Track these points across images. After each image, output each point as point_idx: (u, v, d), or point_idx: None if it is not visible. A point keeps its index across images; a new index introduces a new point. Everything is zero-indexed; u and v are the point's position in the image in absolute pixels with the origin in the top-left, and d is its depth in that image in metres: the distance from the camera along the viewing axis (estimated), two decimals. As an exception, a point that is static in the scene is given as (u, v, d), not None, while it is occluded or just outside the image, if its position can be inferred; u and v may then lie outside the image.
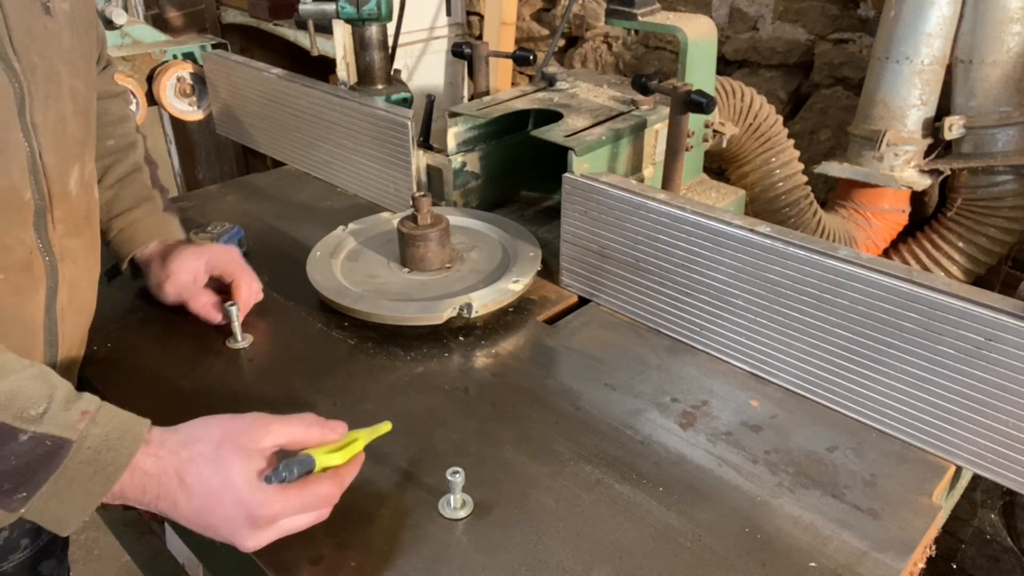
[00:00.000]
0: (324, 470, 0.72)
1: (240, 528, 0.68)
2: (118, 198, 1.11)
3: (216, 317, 1.08)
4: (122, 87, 1.18)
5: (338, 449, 0.74)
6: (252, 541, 0.70)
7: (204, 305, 1.09)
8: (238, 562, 0.79)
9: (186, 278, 1.08)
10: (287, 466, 0.68)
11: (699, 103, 1.19)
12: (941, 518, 0.84)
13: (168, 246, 1.11)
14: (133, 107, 1.81)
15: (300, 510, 0.71)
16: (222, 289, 1.12)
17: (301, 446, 0.73)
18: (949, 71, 1.60)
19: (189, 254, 1.09)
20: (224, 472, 0.67)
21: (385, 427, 0.80)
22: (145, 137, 1.18)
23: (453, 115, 1.38)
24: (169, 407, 0.96)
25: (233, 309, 1.05)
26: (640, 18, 1.39)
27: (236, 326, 1.07)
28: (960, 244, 1.67)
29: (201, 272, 1.09)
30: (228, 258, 1.11)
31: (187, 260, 1.09)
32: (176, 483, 0.68)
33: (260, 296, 1.14)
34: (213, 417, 0.72)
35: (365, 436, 0.78)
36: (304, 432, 0.73)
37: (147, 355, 1.06)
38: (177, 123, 2.76)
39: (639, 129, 1.32)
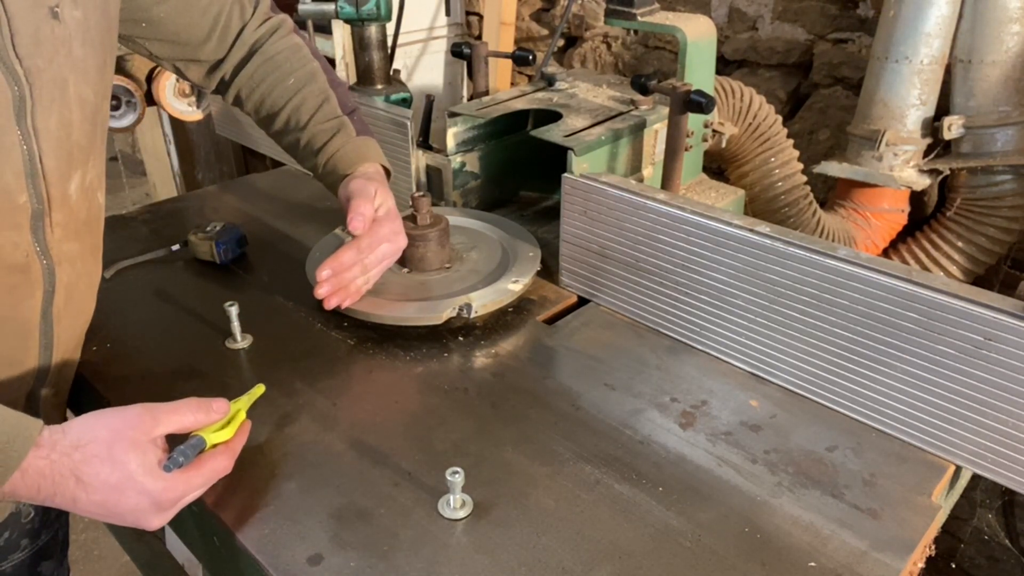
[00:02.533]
0: (215, 446, 0.77)
1: (146, 514, 0.72)
2: (315, 135, 1.11)
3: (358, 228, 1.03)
4: (278, 21, 1.15)
5: (224, 425, 0.79)
6: (157, 521, 0.74)
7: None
8: (238, 563, 0.79)
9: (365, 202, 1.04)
10: (182, 451, 0.72)
11: (698, 103, 1.19)
12: (941, 518, 0.84)
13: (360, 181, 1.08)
14: (132, 111, 1.81)
15: (201, 487, 0.76)
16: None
17: (190, 429, 0.76)
18: (948, 71, 1.60)
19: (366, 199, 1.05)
20: (122, 468, 0.70)
21: (259, 390, 0.86)
22: (322, 58, 1.17)
23: (452, 115, 1.38)
24: (169, 407, 0.96)
25: (232, 310, 1.05)
26: (639, 18, 1.39)
27: (235, 327, 1.06)
28: (959, 244, 1.67)
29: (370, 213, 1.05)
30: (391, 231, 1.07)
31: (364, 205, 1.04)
32: (73, 482, 0.69)
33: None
34: (97, 415, 0.73)
35: (244, 404, 0.83)
36: (191, 417, 0.76)
37: (146, 355, 1.06)
38: (176, 123, 2.76)
39: (638, 129, 1.32)
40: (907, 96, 1.60)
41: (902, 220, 1.74)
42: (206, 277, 1.26)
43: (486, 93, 1.54)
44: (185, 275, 1.24)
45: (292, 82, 1.12)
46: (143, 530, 0.74)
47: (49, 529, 1.03)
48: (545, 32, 2.61)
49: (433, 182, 1.44)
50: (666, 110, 1.29)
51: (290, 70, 1.12)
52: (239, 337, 1.07)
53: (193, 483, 0.74)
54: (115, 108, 1.79)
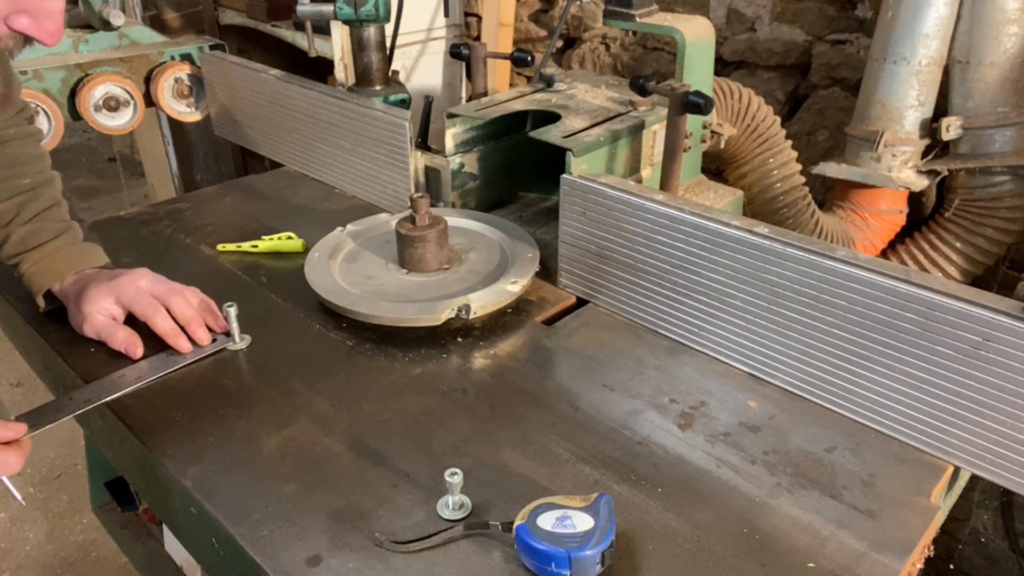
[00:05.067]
0: None
1: None
2: (35, 232, 1.09)
3: (137, 352, 1.03)
4: (36, 128, 1.18)
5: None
6: None
7: (123, 342, 1.04)
8: (236, 564, 0.79)
9: (102, 318, 1.05)
10: None
11: (697, 104, 1.20)
12: (939, 518, 0.84)
13: (82, 282, 1.07)
14: (130, 111, 1.81)
15: None
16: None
17: None
18: (946, 72, 1.60)
19: (100, 293, 1.05)
20: None
21: None
22: (59, 175, 1.18)
23: (451, 116, 1.38)
24: (167, 409, 0.96)
25: (231, 311, 1.05)
26: (638, 19, 1.39)
27: (234, 327, 1.06)
28: (958, 245, 1.67)
29: (117, 311, 1.06)
30: (135, 292, 1.05)
31: (98, 300, 1.05)
32: None
33: (197, 303, 1.09)
34: None
35: None
36: None
37: (144, 357, 1.06)
38: (175, 124, 2.76)
39: (637, 130, 1.32)
40: (905, 97, 1.60)
41: (900, 221, 1.74)
42: (205, 278, 1.26)
43: (485, 94, 1.54)
44: (184, 276, 1.24)
45: (27, 181, 1.11)
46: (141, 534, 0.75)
47: None
48: (544, 33, 2.61)
49: (432, 183, 1.44)
50: (665, 111, 1.29)
51: (27, 171, 1.11)
52: (238, 338, 1.07)
53: None
54: (113, 109, 1.79)
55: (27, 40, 0.80)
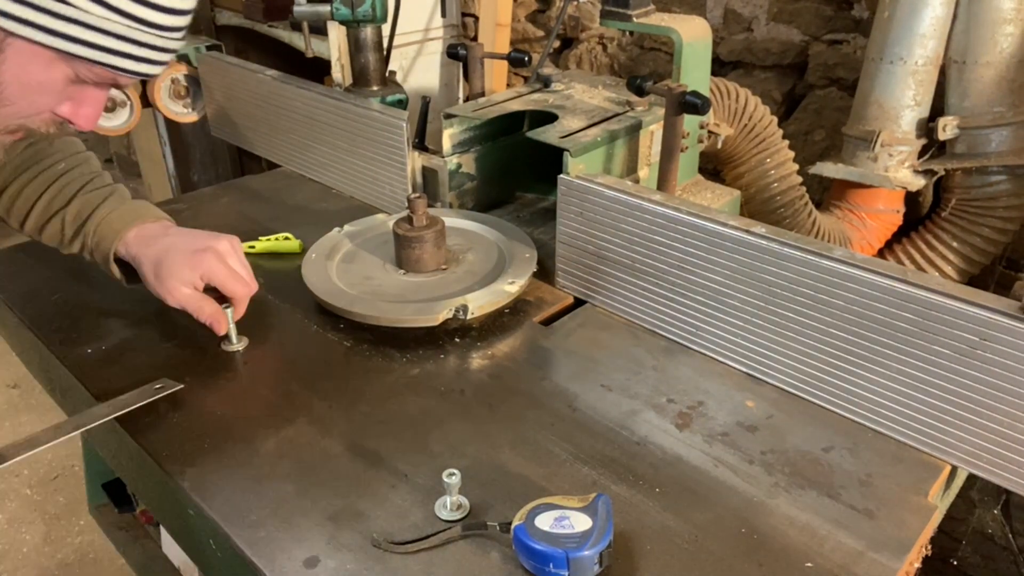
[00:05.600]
0: None
1: None
2: (83, 207, 1.07)
3: (221, 329, 1.04)
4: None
5: None
6: None
7: (209, 317, 1.04)
8: (234, 566, 0.79)
9: (185, 291, 1.03)
10: None
11: (694, 104, 1.20)
12: (937, 518, 0.85)
13: (156, 248, 1.04)
14: (126, 112, 1.81)
15: None
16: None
17: None
18: (943, 72, 1.60)
19: (181, 265, 1.02)
20: None
21: None
22: (94, 154, 1.16)
23: (448, 116, 1.38)
24: (164, 411, 0.96)
25: (229, 312, 1.05)
26: (635, 19, 1.39)
27: (231, 329, 1.06)
28: (955, 244, 1.67)
29: (198, 283, 1.04)
30: (221, 271, 1.04)
31: (180, 272, 1.02)
32: None
33: (251, 292, 1.08)
34: None
35: None
36: None
37: (142, 358, 1.06)
38: (172, 125, 2.75)
39: (634, 130, 1.32)
40: (902, 97, 1.61)
41: (897, 221, 1.74)
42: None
43: (482, 94, 1.54)
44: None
45: (62, 166, 1.08)
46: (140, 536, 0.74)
47: None
48: (541, 33, 2.61)
49: (429, 183, 1.44)
50: (662, 111, 1.29)
51: (59, 158, 1.09)
52: (235, 339, 1.07)
53: None
54: (110, 110, 1.78)
55: (62, 124, 0.82)
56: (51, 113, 0.80)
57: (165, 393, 0.97)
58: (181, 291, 1.03)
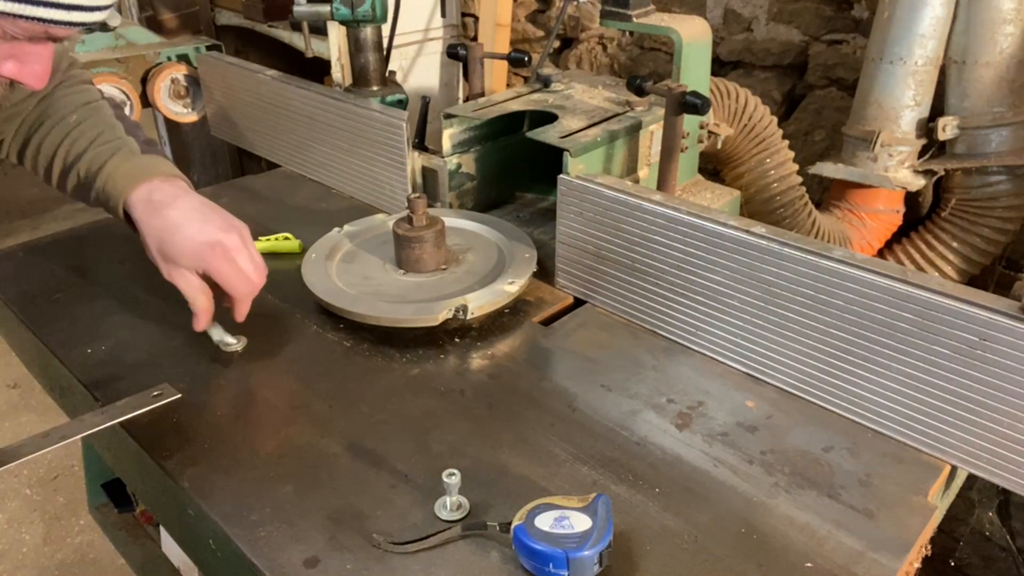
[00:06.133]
0: None
1: None
2: (94, 161, 1.04)
3: (200, 325, 1.01)
4: (78, 71, 1.13)
5: None
6: None
7: (200, 309, 1.01)
8: (234, 565, 0.79)
9: (189, 278, 1.00)
10: None
11: (694, 104, 1.20)
12: (936, 518, 0.85)
13: (161, 223, 1.00)
14: (126, 112, 1.81)
15: None
16: None
17: None
18: (943, 72, 1.60)
19: (188, 255, 0.99)
20: None
21: None
22: (107, 104, 1.13)
23: (448, 116, 1.38)
24: (164, 410, 0.95)
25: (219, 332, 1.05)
26: (635, 19, 1.39)
27: (215, 329, 1.05)
28: (954, 244, 1.67)
29: (201, 269, 1.00)
30: (226, 270, 1.00)
31: (184, 260, 0.99)
32: None
33: (257, 289, 1.05)
34: None
35: None
36: None
37: (142, 358, 1.06)
38: (171, 125, 2.76)
39: (634, 130, 1.32)
40: (901, 97, 1.61)
41: (897, 221, 1.74)
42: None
43: (482, 94, 1.54)
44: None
45: (74, 119, 1.06)
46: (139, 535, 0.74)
47: None
48: (541, 33, 2.61)
49: (429, 184, 1.44)
50: (662, 111, 1.29)
51: (72, 111, 1.06)
52: (231, 339, 1.07)
53: None
54: (110, 110, 1.78)
55: (12, 84, 0.79)
56: None
57: (164, 402, 0.94)
58: (184, 276, 1.00)
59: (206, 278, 1.02)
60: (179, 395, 0.95)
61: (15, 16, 0.71)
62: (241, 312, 1.05)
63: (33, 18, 0.72)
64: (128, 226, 1.05)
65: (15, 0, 0.70)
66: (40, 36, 0.76)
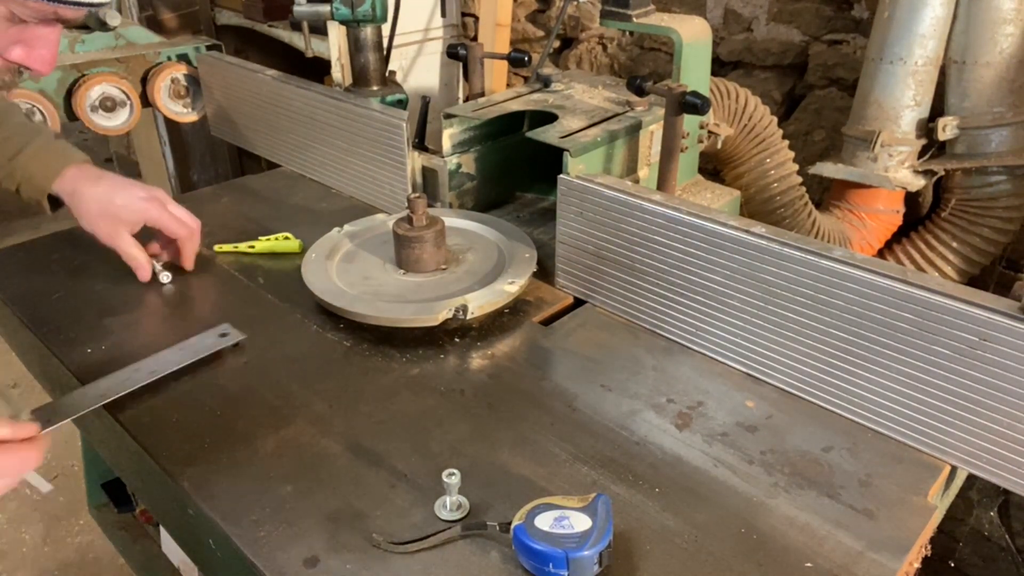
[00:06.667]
0: None
1: None
2: (8, 142, 1.15)
3: (145, 274, 1.18)
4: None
5: None
6: None
7: (136, 261, 1.18)
8: (234, 565, 0.79)
9: (126, 237, 1.16)
10: None
11: (694, 104, 1.20)
12: (936, 518, 0.85)
13: (102, 188, 1.16)
14: (126, 112, 1.81)
15: (13, 469, 0.75)
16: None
17: None
18: (943, 72, 1.60)
19: (130, 210, 1.15)
20: None
21: None
22: (17, 105, 1.25)
23: (448, 116, 1.38)
24: (164, 410, 0.96)
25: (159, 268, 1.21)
26: (635, 19, 1.39)
27: (157, 268, 1.20)
28: (954, 244, 1.67)
29: (136, 227, 1.17)
30: (165, 217, 1.17)
31: (128, 216, 1.15)
32: None
33: (196, 231, 1.21)
34: None
35: None
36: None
37: (141, 358, 1.06)
38: (171, 125, 2.76)
39: (634, 130, 1.32)
40: (901, 97, 1.61)
41: (897, 221, 1.74)
42: (202, 279, 1.26)
43: (482, 94, 1.54)
44: (181, 277, 1.24)
45: None
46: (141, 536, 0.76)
47: None
48: (541, 33, 2.61)
49: (429, 183, 1.44)
50: (662, 111, 1.29)
51: None
52: (163, 277, 1.19)
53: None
54: (110, 109, 1.78)
55: (20, 70, 0.81)
56: (3, 60, 0.78)
57: (231, 343, 1.05)
58: (123, 236, 1.16)
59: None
60: (244, 336, 1.07)
61: None
62: (188, 257, 1.22)
63: None
64: (44, 206, 1.19)
65: None
66: (50, 17, 0.76)
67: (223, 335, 1.06)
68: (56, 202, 1.19)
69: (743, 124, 1.64)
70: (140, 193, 1.17)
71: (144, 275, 1.19)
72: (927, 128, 1.63)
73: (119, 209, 1.15)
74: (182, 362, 1.01)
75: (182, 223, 1.19)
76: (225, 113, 1.77)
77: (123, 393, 0.95)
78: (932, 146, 1.65)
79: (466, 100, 1.55)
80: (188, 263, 1.23)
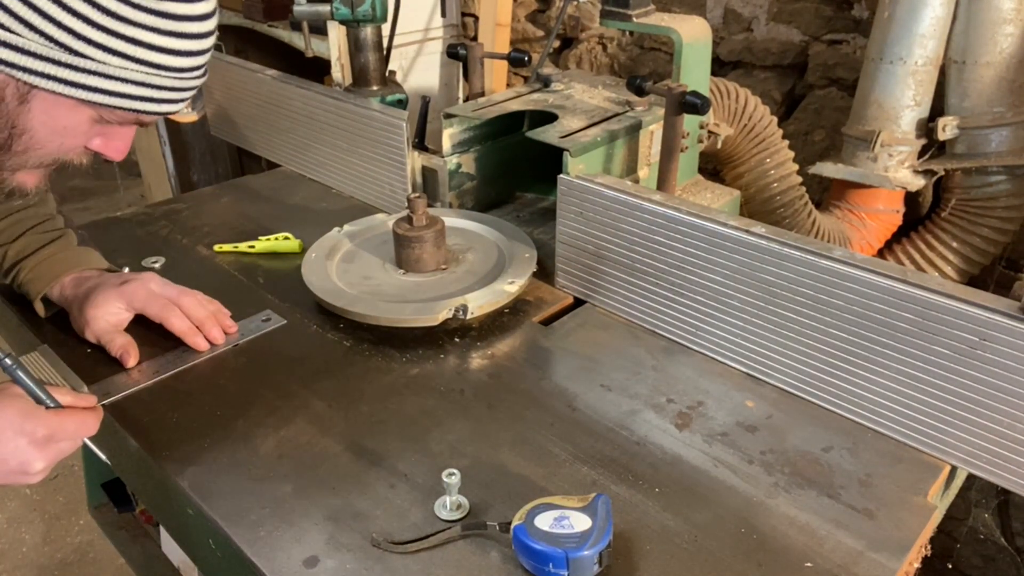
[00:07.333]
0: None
1: (25, 452, 0.80)
2: (28, 244, 1.12)
3: (129, 361, 1.03)
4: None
5: None
6: (38, 462, 0.82)
7: (120, 348, 1.04)
8: (234, 565, 0.79)
9: (104, 324, 1.05)
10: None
11: (694, 104, 1.20)
12: (936, 518, 0.85)
13: (86, 285, 1.08)
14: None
15: (73, 433, 0.85)
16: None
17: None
18: (943, 72, 1.60)
19: (108, 297, 1.05)
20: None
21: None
22: (52, 196, 1.19)
23: (448, 116, 1.38)
24: (164, 410, 0.96)
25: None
26: (635, 19, 1.39)
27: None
28: (954, 244, 1.67)
29: (125, 315, 1.07)
30: (147, 294, 1.06)
31: (105, 304, 1.05)
32: None
33: (208, 304, 1.10)
34: None
35: None
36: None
37: (141, 358, 1.06)
38: (171, 125, 2.75)
39: (634, 130, 1.32)
40: (901, 97, 1.61)
41: (897, 221, 1.74)
42: (202, 279, 1.26)
43: (482, 94, 1.54)
44: (181, 277, 1.24)
45: (19, 202, 1.12)
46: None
47: None
48: (541, 33, 2.61)
49: (429, 183, 1.44)
50: (662, 111, 1.29)
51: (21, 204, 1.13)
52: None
53: (65, 426, 0.83)
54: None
55: (95, 154, 0.86)
56: (83, 148, 0.84)
57: (272, 327, 1.10)
58: (99, 323, 1.05)
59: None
60: (284, 321, 1.12)
61: (114, 108, 0.78)
62: (214, 335, 1.08)
63: (130, 110, 0.79)
64: (39, 309, 1.12)
65: (117, 96, 0.77)
66: (130, 121, 0.83)
67: (266, 320, 1.12)
68: (52, 305, 1.12)
69: (743, 124, 1.64)
70: (118, 282, 1.07)
71: (128, 360, 1.04)
72: (927, 128, 1.62)
73: (93, 308, 1.05)
74: (231, 343, 1.08)
75: (160, 300, 1.06)
76: (225, 113, 1.77)
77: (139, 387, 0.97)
78: (932, 146, 1.65)
79: (466, 100, 1.55)
80: (218, 339, 1.08)
